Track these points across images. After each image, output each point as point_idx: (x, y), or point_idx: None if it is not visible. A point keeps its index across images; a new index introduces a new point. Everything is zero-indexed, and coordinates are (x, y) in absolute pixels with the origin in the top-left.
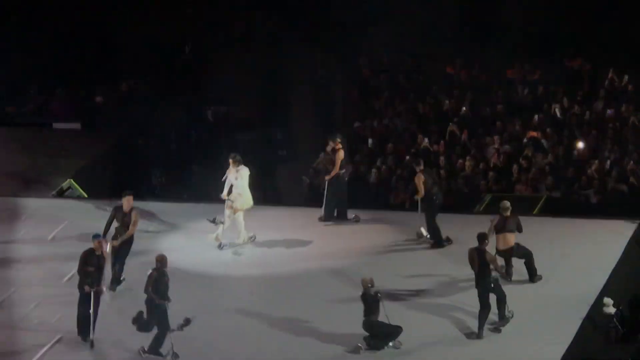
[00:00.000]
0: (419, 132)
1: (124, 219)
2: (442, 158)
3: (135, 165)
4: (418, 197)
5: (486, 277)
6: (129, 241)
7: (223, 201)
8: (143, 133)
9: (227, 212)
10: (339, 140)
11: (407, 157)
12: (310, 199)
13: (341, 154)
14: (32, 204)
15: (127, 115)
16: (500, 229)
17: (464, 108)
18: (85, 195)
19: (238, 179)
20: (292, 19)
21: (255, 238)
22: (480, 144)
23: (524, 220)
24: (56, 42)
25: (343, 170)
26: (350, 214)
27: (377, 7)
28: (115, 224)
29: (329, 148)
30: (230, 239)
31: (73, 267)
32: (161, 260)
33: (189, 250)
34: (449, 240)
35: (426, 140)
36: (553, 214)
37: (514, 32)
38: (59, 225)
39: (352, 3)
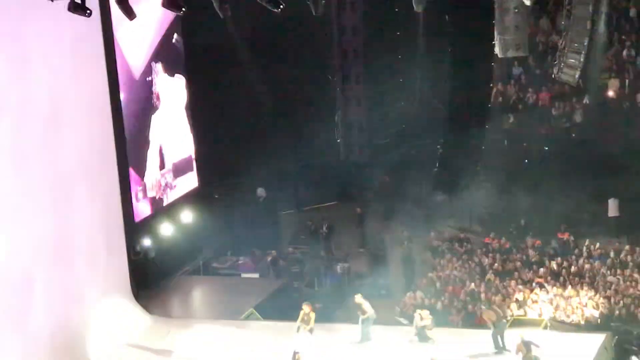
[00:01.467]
0: (469, 279)
1: None
2: (483, 295)
3: (295, 302)
4: (365, 317)
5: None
6: None
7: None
8: (297, 279)
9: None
10: (309, 305)
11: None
12: (398, 323)
13: (313, 315)
14: (226, 325)
15: (288, 268)
16: None
17: (497, 264)
18: (262, 319)
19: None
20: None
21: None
22: (506, 286)
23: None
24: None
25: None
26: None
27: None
28: None
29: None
30: None
31: None
32: None
33: None
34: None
35: (472, 284)
36: (551, 330)
37: (525, 215)
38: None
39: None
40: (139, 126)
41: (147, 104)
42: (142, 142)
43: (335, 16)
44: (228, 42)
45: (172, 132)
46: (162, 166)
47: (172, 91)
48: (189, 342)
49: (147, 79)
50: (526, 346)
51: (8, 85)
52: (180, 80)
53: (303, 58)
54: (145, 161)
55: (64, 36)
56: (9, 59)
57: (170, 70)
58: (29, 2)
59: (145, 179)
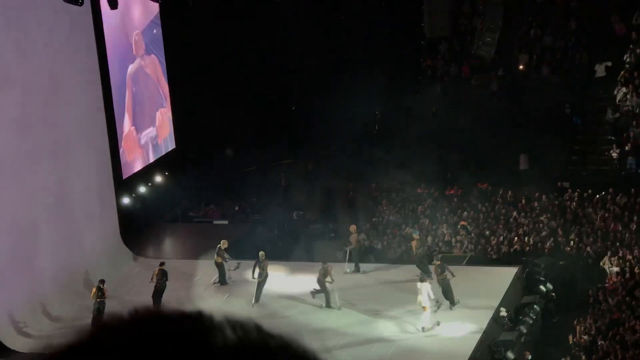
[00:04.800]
0: (404, 223)
1: None
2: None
3: (259, 244)
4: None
5: None
6: None
7: None
8: (260, 225)
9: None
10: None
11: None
12: (345, 260)
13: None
14: (201, 263)
15: (254, 219)
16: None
17: (428, 210)
18: (231, 258)
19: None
20: None
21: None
22: (435, 228)
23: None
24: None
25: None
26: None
27: None
28: None
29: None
30: None
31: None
32: None
33: None
34: None
35: (407, 228)
36: (473, 265)
37: (450, 168)
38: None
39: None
40: (125, 99)
41: (135, 78)
42: (128, 112)
43: (291, 4)
44: (201, 29)
45: (153, 102)
46: (145, 131)
47: (154, 66)
48: (169, 278)
49: (135, 57)
50: (441, 268)
51: (15, 65)
52: (159, 56)
53: (264, 40)
54: (131, 127)
55: (60, 23)
56: (15, 43)
57: (153, 48)
58: None
59: (131, 142)
